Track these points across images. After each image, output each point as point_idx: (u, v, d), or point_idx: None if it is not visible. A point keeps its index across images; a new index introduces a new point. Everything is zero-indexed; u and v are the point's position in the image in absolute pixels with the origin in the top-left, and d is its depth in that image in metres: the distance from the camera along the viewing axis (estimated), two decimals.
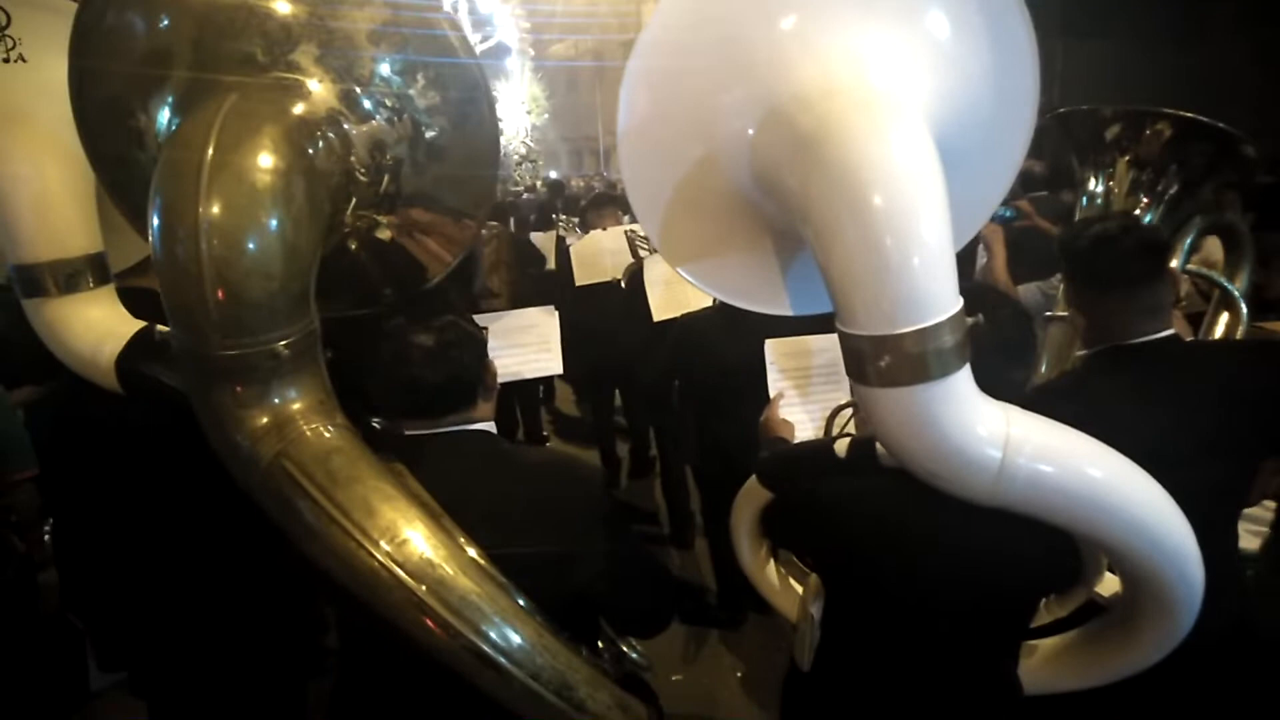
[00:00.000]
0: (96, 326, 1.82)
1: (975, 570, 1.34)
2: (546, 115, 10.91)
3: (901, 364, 1.13)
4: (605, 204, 5.07)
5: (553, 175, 10.82)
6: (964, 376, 1.17)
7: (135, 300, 1.90)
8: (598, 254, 4.47)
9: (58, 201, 1.81)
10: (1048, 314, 2.55)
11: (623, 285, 4.26)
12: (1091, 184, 2.60)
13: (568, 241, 4.98)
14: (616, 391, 5.08)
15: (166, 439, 1.77)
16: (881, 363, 1.14)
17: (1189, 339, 1.83)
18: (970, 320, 1.17)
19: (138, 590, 2.12)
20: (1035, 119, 1.41)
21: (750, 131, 1.30)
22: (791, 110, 1.23)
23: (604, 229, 4.61)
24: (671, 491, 4.50)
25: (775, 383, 2.21)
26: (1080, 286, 1.78)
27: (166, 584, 2.08)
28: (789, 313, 1.55)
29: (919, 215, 1.11)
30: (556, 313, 3.04)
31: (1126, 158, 2.49)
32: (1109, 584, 1.49)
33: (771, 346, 2.24)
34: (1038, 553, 1.34)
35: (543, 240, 5.62)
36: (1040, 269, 3.32)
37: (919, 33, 1.29)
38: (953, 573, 1.34)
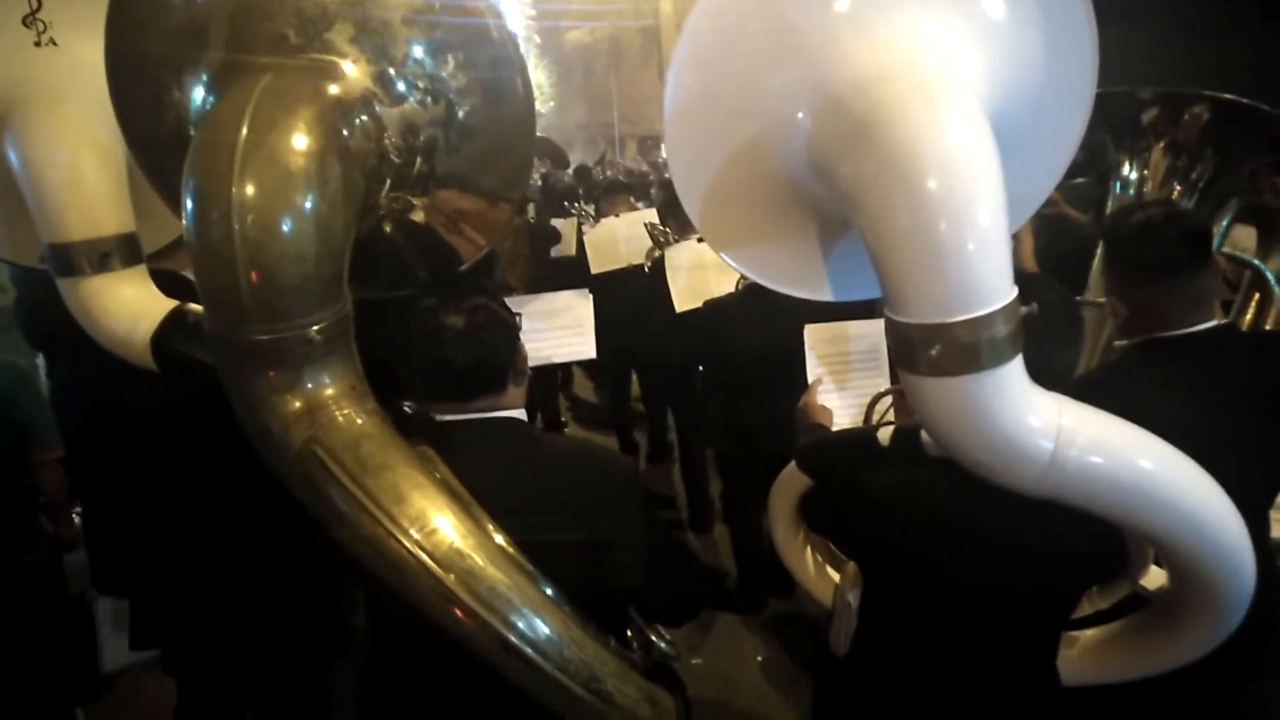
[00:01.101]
0: (130, 305, 1.82)
1: (1020, 562, 1.32)
2: (552, 103, 10.91)
3: (953, 353, 1.10)
4: (618, 191, 5.08)
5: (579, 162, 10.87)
6: (1016, 366, 1.14)
7: (164, 283, 1.91)
8: (613, 241, 4.47)
9: (90, 182, 1.81)
10: (1079, 298, 2.51)
11: (646, 270, 4.25)
12: (1126, 169, 2.55)
13: (583, 229, 4.98)
14: (634, 377, 5.08)
15: (199, 418, 1.77)
16: (933, 351, 1.11)
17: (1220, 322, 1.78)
18: (1024, 309, 1.14)
19: (171, 569, 2.14)
20: (1092, 104, 1.38)
21: (800, 115, 1.27)
22: (844, 94, 1.20)
23: (617, 215, 4.61)
24: (691, 477, 4.50)
25: (814, 369, 2.19)
26: (1122, 275, 1.74)
27: (199, 563, 2.10)
28: (830, 299, 1.52)
29: (975, 200, 1.08)
30: (590, 296, 3.01)
31: (1163, 143, 2.44)
32: (1154, 577, 1.46)
33: (811, 332, 2.22)
34: (1084, 545, 1.32)
35: (564, 226, 5.61)
36: (1068, 258, 3.28)
37: (974, 15, 1.25)
38: (997, 564, 1.32)
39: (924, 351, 1.13)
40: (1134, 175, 2.53)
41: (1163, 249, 1.64)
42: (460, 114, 1.50)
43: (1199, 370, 1.62)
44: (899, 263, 1.13)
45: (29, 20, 1.84)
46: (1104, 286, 1.90)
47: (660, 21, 19.90)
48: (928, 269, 1.10)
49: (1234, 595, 1.30)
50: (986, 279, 1.09)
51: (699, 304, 3.30)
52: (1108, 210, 2.69)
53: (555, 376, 5.95)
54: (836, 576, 1.78)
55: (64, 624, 2.96)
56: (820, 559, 1.86)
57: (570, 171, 9.24)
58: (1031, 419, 1.14)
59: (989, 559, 1.32)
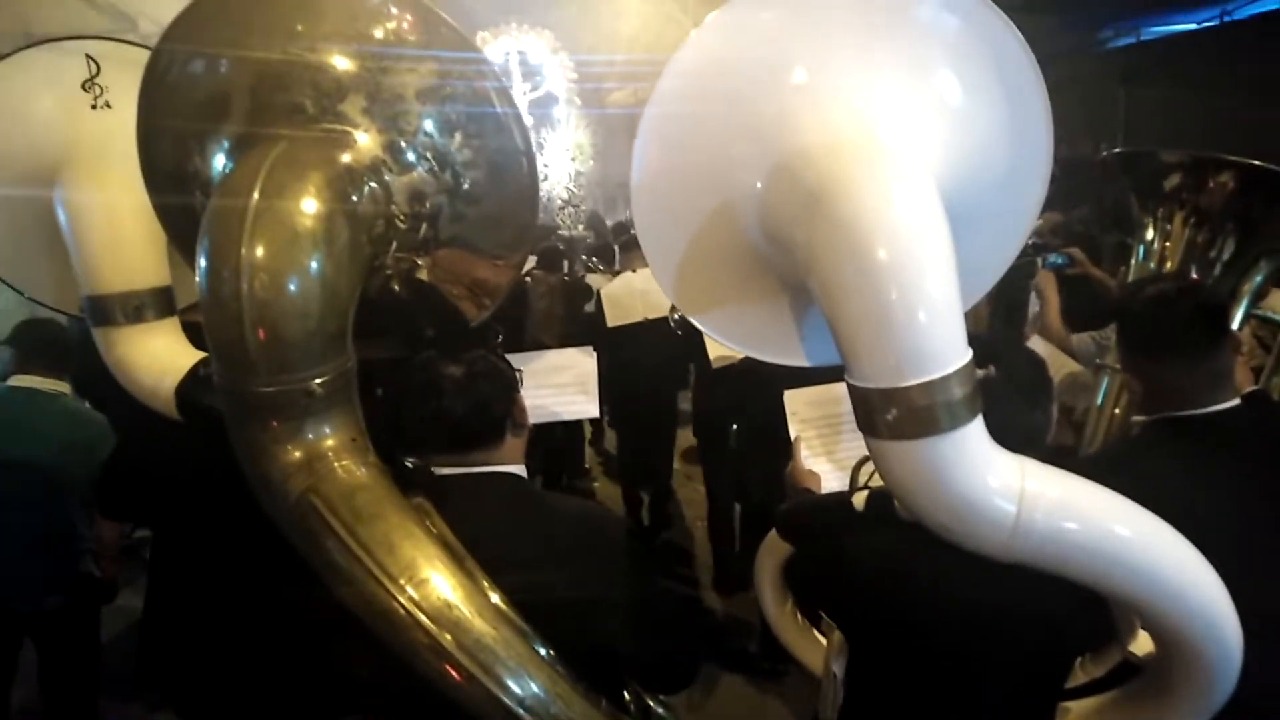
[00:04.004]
0: (160, 356, 1.91)
1: (1001, 629, 1.30)
2: (591, 162, 11.19)
3: (910, 416, 1.12)
4: (635, 246, 5.14)
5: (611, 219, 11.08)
6: (975, 429, 1.15)
7: (199, 333, 1.99)
8: (629, 295, 4.53)
9: (130, 237, 1.92)
10: (1097, 361, 2.47)
11: (673, 323, 4.31)
12: (1149, 233, 2.49)
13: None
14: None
15: (211, 470, 1.83)
16: (889, 415, 1.14)
17: (1250, 389, 1.72)
18: (981, 372, 1.15)
19: (186, 621, 2.19)
20: (1049, 176, 1.40)
21: (758, 185, 1.31)
22: (796, 165, 1.24)
23: (634, 270, 4.67)
24: (719, 536, 4.45)
25: (795, 432, 2.17)
26: (1136, 351, 1.69)
27: (205, 613, 2.14)
28: (804, 364, 1.54)
29: (924, 269, 1.11)
30: (595, 354, 3.06)
31: (1185, 210, 2.37)
32: (1144, 643, 1.43)
33: (791, 397, 2.19)
34: (1066, 610, 1.29)
35: (599, 281, 5.71)
36: (1093, 317, 3.25)
37: (927, 89, 1.30)
38: (978, 631, 1.31)
39: (882, 415, 1.15)
40: (1156, 242, 2.47)
41: (1177, 326, 1.59)
42: (465, 184, 1.57)
43: (1217, 453, 1.56)
44: (852, 329, 1.16)
45: (88, 85, 1.99)
46: (1118, 359, 1.86)
47: None
48: (880, 335, 1.12)
49: (1219, 662, 1.27)
50: (938, 343, 1.11)
51: (736, 359, 3.30)
52: (1129, 274, 2.66)
53: (581, 430, 5.99)
54: (824, 642, 1.76)
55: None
56: (808, 626, 1.84)
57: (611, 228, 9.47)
58: (992, 480, 1.14)
59: (969, 625, 1.30)
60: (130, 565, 4.13)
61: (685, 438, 5.21)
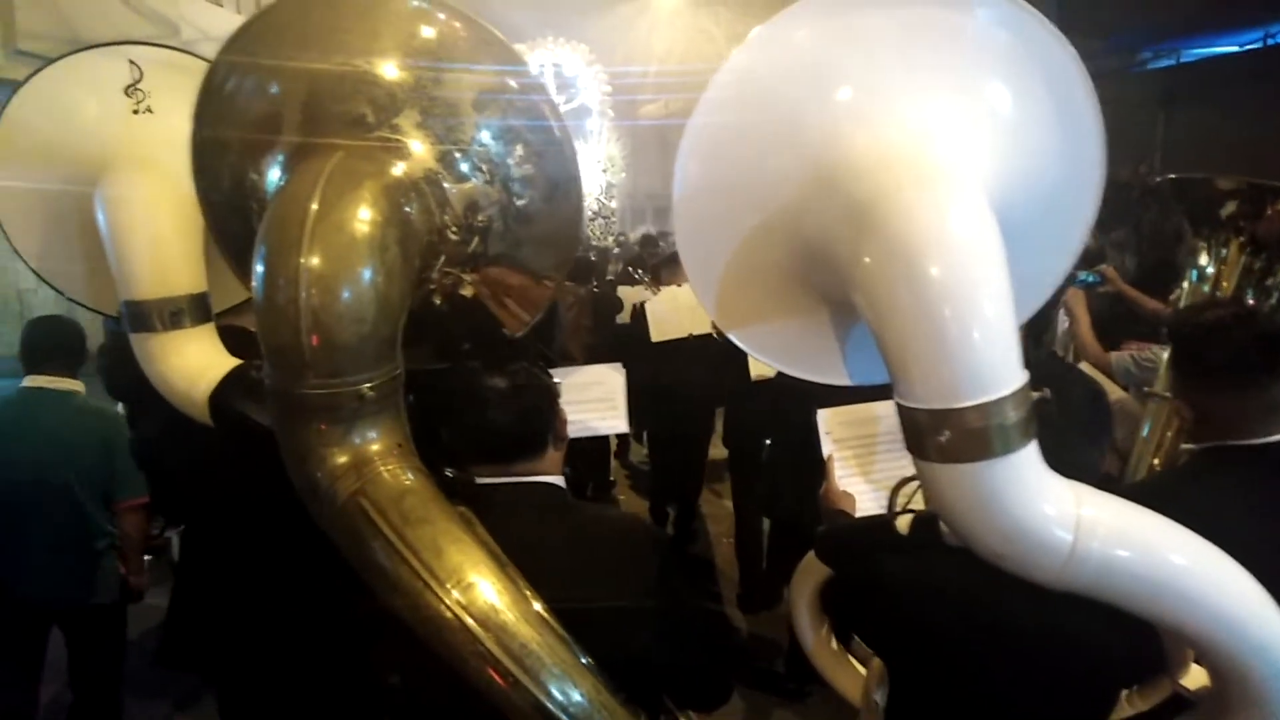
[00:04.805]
0: (194, 362, 1.93)
1: (1047, 658, 1.28)
2: (623, 174, 11.28)
3: (963, 439, 1.10)
4: (679, 262, 5.11)
5: (643, 230, 11.12)
6: (1030, 453, 1.13)
7: (231, 337, 2.02)
8: (675, 310, 4.54)
9: (169, 243, 1.94)
10: (1146, 389, 2.43)
11: (716, 336, 4.30)
12: (1203, 259, 2.46)
13: (642, 298, 5.06)
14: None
15: (248, 478, 1.83)
16: (941, 437, 1.12)
17: None
18: (1036, 395, 1.13)
19: (213, 625, 2.22)
20: (1101, 192, 1.38)
21: (804, 203, 1.30)
22: (846, 182, 1.22)
23: (678, 285, 4.68)
24: (746, 553, 4.43)
25: (828, 451, 2.13)
26: (1188, 378, 1.65)
27: (235, 616, 2.17)
28: (845, 382, 1.53)
29: (979, 287, 1.10)
30: (624, 370, 3.07)
31: (1241, 238, 2.35)
32: (1195, 676, 1.40)
33: (825, 416, 2.15)
34: (1116, 641, 1.27)
35: (629, 294, 5.72)
36: (1123, 336, 3.21)
37: (979, 105, 1.28)
38: (1024, 660, 1.28)
39: (933, 437, 1.13)
40: (1210, 268, 2.45)
41: (1232, 353, 1.56)
42: (519, 201, 1.60)
43: (1270, 484, 1.53)
44: (903, 348, 1.15)
45: (130, 90, 2.02)
46: (1170, 386, 1.81)
47: None
48: (932, 355, 1.11)
49: (1277, 697, 1.23)
50: (993, 365, 1.09)
51: (772, 374, 3.29)
52: (1181, 298, 2.62)
53: (607, 444, 6.00)
54: (861, 670, 1.73)
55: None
56: (846, 652, 1.80)
57: (639, 239, 9.49)
58: (1047, 508, 1.12)
59: (1014, 654, 1.28)
60: (153, 566, 4.24)
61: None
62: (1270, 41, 12.68)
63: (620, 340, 4.98)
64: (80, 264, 2.18)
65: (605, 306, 5.62)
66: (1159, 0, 10.94)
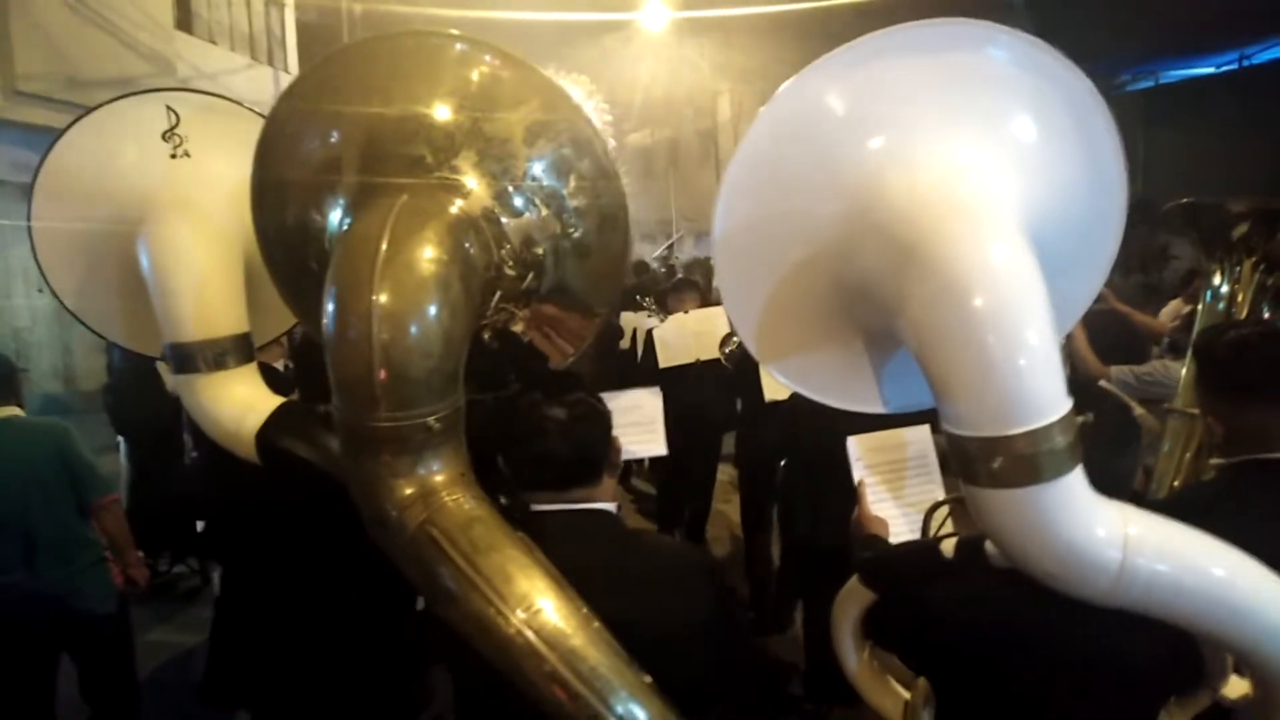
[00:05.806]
0: (240, 402, 1.95)
1: (1093, 673, 1.31)
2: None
3: (1014, 465, 1.14)
4: (685, 288, 5.19)
5: (635, 259, 11.21)
6: (1078, 477, 1.17)
7: (272, 375, 2.05)
8: (683, 336, 4.59)
9: (212, 285, 1.97)
10: (1166, 405, 2.48)
11: (724, 359, 4.33)
12: (1217, 279, 2.53)
13: (648, 323, 5.11)
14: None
15: (292, 510, 1.88)
16: (994, 464, 1.15)
17: None
18: (1080, 419, 1.18)
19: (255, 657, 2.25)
20: (1125, 213, 1.44)
21: (846, 241, 1.35)
22: (888, 221, 1.28)
23: (685, 312, 4.74)
24: (757, 578, 4.44)
25: (859, 477, 2.16)
26: (1218, 396, 1.70)
27: (278, 649, 2.19)
28: (882, 410, 1.57)
29: (1022, 315, 1.15)
30: (660, 393, 3.10)
31: (1254, 258, 2.42)
32: (1235, 686, 1.45)
33: (855, 442, 2.18)
34: (1158, 653, 1.31)
35: (630, 319, 5.76)
36: (1119, 352, 3.29)
37: (1006, 139, 1.34)
38: (1070, 676, 1.32)
39: (984, 464, 1.17)
40: (1224, 287, 2.51)
41: (1261, 369, 1.61)
42: (574, 233, 1.66)
43: None
44: (952, 378, 1.19)
45: (168, 135, 2.07)
46: (1197, 404, 1.84)
47: (718, 124, 20.65)
48: (981, 383, 1.15)
49: None
50: (1041, 391, 1.14)
51: (787, 395, 3.30)
52: (1197, 318, 2.69)
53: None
54: (905, 693, 1.76)
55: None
56: (887, 674, 1.83)
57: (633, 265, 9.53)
58: (1098, 529, 1.16)
59: (1061, 672, 1.32)
60: (160, 600, 4.19)
61: None
62: (1246, 63, 13.02)
63: (621, 367, 5.03)
64: (116, 303, 2.22)
65: (606, 333, 5.66)
66: (1138, 24, 11.20)
